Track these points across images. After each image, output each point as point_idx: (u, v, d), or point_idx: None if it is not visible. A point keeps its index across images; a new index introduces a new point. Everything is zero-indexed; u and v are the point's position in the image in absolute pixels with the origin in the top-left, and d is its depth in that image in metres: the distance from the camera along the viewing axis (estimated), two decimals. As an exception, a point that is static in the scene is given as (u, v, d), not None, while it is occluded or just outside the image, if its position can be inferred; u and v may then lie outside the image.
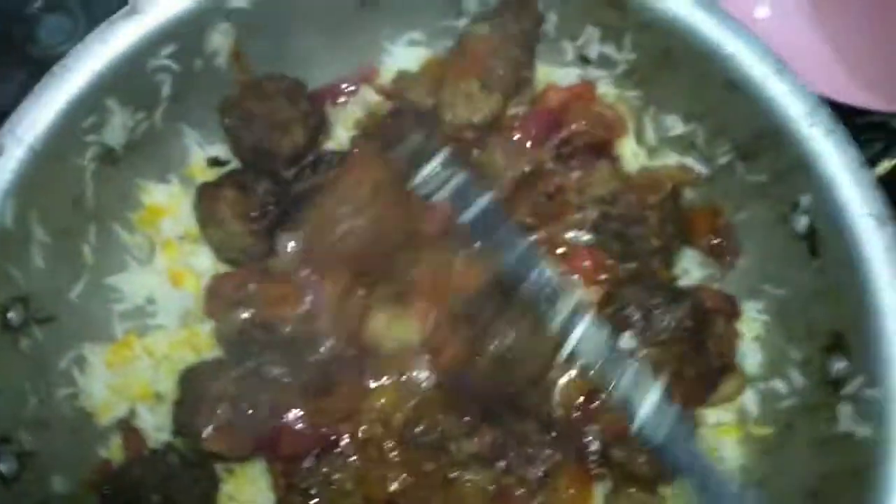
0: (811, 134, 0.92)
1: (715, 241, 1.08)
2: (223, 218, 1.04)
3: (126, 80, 1.02)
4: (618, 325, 0.95)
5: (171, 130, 1.12)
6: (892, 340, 0.85)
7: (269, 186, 1.05)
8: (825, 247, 0.94)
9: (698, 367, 0.97)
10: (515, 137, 1.12)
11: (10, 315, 0.97)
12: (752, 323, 1.06)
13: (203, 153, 1.14)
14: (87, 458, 1.03)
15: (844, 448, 0.88)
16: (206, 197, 1.08)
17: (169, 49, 1.04)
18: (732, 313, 1.04)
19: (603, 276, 1.06)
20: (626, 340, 0.95)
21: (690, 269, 1.09)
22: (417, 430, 0.95)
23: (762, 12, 1.32)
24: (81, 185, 1.05)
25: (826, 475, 0.91)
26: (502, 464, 0.95)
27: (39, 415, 0.98)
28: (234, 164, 1.13)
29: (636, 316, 0.95)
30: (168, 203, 1.13)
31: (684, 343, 0.95)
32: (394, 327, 1.00)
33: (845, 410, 0.89)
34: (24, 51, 1.33)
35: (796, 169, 0.95)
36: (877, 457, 0.83)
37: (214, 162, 1.11)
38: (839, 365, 0.92)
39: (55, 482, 0.97)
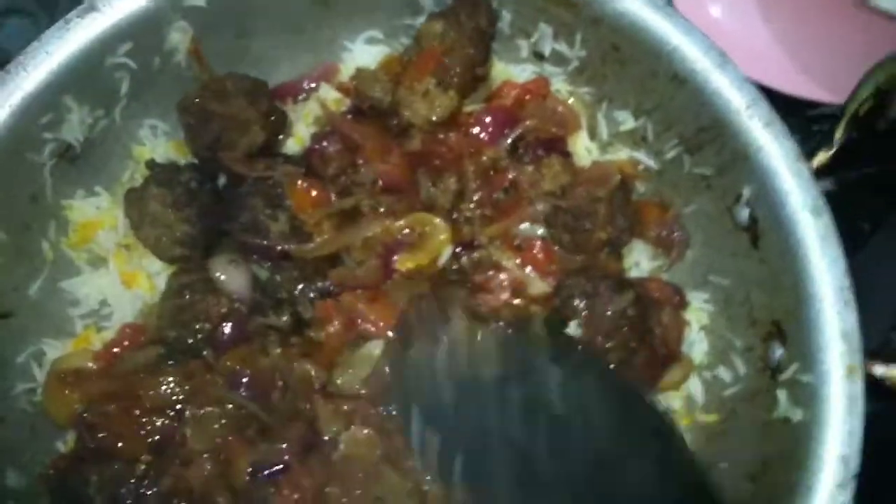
0: (751, 126, 0.95)
1: (664, 234, 1.11)
2: (154, 214, 1.05)
3: (83, 77, 1.04)
4: (564, 314, 0.98)
5: (131, 127, 1.13)
6: (824, 328, 0.88)
7: (191, 174, 1.07)
8: (765, 237, 0.97)
9: (644, 356, 1.00)
10: (473, 132, 1.15)
11: (-35, 313, 0.98)
12: (698, 313, 1.08)
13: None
14: (42, 454, 1.04)
15: (782, 432, 0.91)
16: (133, 200, 1.08)
17: (126, 47, 1.05)
18: (679, 303, 1.07)
19: (553, 268, 1.09)
20: (573, 328, 0.97)
21: (641, 260, 1.12)
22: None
23: (715, 11, 1.35)
24: (40, 181, 1.06)
25: (766, 459, 0.93)
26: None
27: (-2, 409, 1.00)
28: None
29: (581, 305, 0.97)
30: (98, 216, 1.13)
31: (629, 332, 0.98)
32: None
33: (783, 396, 0.92)
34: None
35: (738, 161, 0.98)
36: (808, 439, 0.86)
37: (151, 165, 1.10)
38: (778, 352, 0.95)
39: (9, 477, 0.98)
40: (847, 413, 0.85)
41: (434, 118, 1.11)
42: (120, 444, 0.95)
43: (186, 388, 0.97)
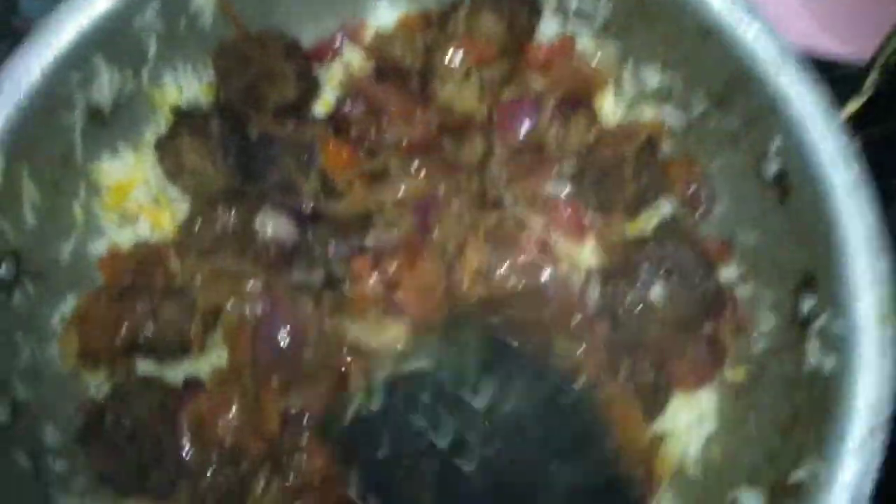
0: (780, 76, 0.94)
1: (690, 190, 1.10)
2: (192, 165, 1.06)
3: (113, 38, 1.04)
4: (651, 273, 0.99)
5: (157, 88, 1.14)
6: (856, 276, 0.88)
7: (220, 121, 1.07)
8: (794, 190, 0.96)
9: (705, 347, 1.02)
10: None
11: (2, 270, 0.99)
12: (726, 270, 1.08)
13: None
14: (79, 414, 1.05)
15: (812, 383, 0.91)
16: (166, 150, 1.09)
17: (154, 7, 1.06)
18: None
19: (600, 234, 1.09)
20: (656, 293, 0.99)
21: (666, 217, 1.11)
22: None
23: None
24: (70, 141, 1.07)
25: (796, 412, 0.93)
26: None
27: (32, 366, 1.01)
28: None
29: (673, 273, 0.99)
30: (128, 176, 1.13)
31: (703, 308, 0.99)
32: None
33: (813, 347, 0.92)
34: (7, 22, 1.34)
35: (767, 113, 0.97)
36: (839, 387, 0.86)
37: (177, 111, 1.11)
38: (808, 303, 0.95)
39: (47, 433, 1.00)
40: (879, 359, 0.85)
41: (469, 108, 1.12)
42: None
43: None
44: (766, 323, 1.02)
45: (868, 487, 0.82)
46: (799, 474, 0.86)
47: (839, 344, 0.88)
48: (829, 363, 0.89)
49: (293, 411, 0.96)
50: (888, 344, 0.85)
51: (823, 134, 0.92)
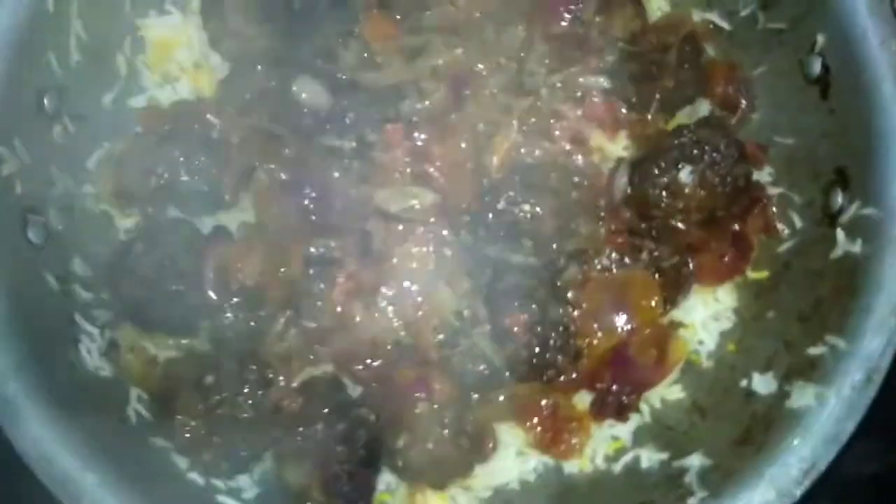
0: (831, -33, 0.94)
1: (730, 91, 1.10)
2: (235, 27, 1.08)
3: None
4: (682, 157, 0.98)
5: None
6: (893, 160, 0.87)
7: None
8: (836, 84, 0.96)
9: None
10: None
11: (46, 101, 1.01)
12: (758, 173, 1.08)
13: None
14: (106, 252, 1.07)
15: (839, 270, 0.91)
16: (211, 12, 1.10)
17: None
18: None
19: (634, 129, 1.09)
20: (686, 174, 0.98)
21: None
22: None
23: None
24: (119, -9, 1.09)
25: (819, 299, 0.93)
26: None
27: (65, 201, 1.03)
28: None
29: (704, 154, 0.98)
30: (173, 34, 1.15)
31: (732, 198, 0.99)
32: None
33: (841, 236, 0.91)
34: None
35: (813, 7, 0.97)
36: (867, 267, 0.86)
37: None
38: (839, 198, 0.94)
39: (76, 263, 1.02)
40: (908, 241, 0.84)
41: None
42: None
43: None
44: (795, 223, 1.02)
45: (885, 363, 0.82)
46: (817, 350, 0.86)
47: (870, 229, 0.87)
48: (856, 247, 0.88)
49: (315, 252, 0.96)
50: (919, 227, 0.84)
51: (872, 20, 0.91)
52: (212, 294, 0.99)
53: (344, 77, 1.09)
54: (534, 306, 0.96)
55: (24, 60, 0.97)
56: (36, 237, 0.97)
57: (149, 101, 1.13)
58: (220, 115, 1.08)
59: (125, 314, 1.00)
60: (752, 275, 1.06)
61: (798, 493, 0.79)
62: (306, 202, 1.05)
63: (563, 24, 1.11)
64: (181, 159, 1.03)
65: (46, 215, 1.00)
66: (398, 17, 1.13)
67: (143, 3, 1.13)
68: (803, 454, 0.80)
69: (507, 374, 0.97)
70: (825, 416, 0.81)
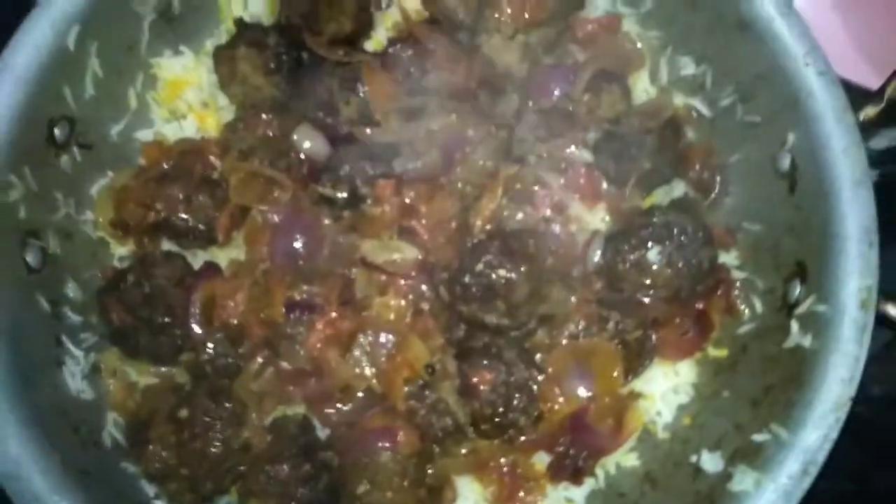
0: (805, 73, 1.00)
1: (704, 176, 1.16)
2: (244, 74, 1.14)
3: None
4: (653, 237, 1.04)
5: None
6: (847, 263, 0.93)
7: (278, 38, 1.14)
8: (802, 181, 1.02)
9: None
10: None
11: (56, 131, 1.07)
12: (725, 256, 1.13)
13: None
14: (99, 277, 1.12)
15: (790, 360, 0.96)
16: (222, 59, 1.17)
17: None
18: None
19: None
20: (654, 254, 1.03)
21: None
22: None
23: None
24: (138, 33, 1.15)
25: (770, 386, 0.97)
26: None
27: (66, 226, 1.09)
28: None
29: (673, 236, 1.03)
30: (185, 75, 1.21)
31: (698, 286, 1.05)
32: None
33: (795, 327, 0.97)
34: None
35: (788, 107, 1.03)
36: (815, 363, 0.91)
37: (239, 23, 1.19)
38: (797, 290, 0.99)
39: (69, 287, 1.07)
40: (856, 341, 0.89)
41: (511, 65, 1.18)
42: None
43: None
44: (756, 307, 1.07)
45: (822, 456, 0.86)
46: (762, 437, 0.90)
47: (821, 324, 0.93)
48: (807, 341, 0.93)
49: (298, 297, 1.01)
50: (866, 329, 0.89)
51: (837, 128, 0.97)
52: (196, 328, 1.03)
53: (343, 130, 1.15)
54: (502, 367, 1.01)
55: (41, 94, 1.03)
56: (33, 261, 1.02)
57: (155, 136, 1.19)
58: (222, 156, 1.14)
59: (111, 339, 1.05)
60: (713, 352, 1.10)
61: (729, 573, 0.83)
62: (296, 245, 1.10)
63: (554, 98, 1.18)
64: (180, 197, 1.08)
65: (46, 240, 1.05)
66: (399, 78, 1.19)
67: (158, 43, 1.19)
68: (737, 536, 0.84)
69: (471, 429, 1.01)
70: (761, 503, 0.85)
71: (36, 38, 1.02)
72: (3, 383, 0.89)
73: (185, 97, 1.21)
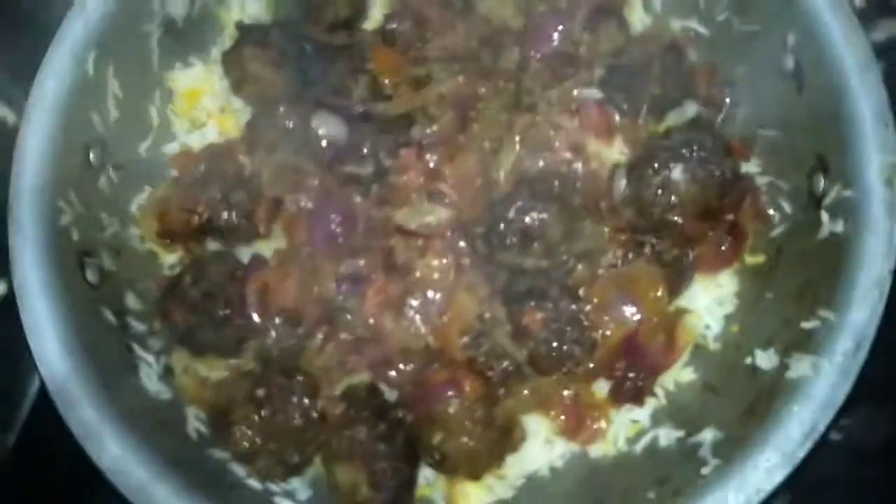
0: (795, -29, 1.02)
1: (714, 91, 1.18)
2: (254, 73, 1.18)
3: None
4: (674, 158, 1.06)
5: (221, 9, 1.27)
6: (865, 146, 0.96)
7: (280, 33, 1.18)
8: (809, 79, 1.04)
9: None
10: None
11: (91, 155, 1.12)
12: (745, 165, 1.16)
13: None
14: (153, 286, 1.17)
15: (827, 250, 0.98)
16: (231, 61, 1.21)
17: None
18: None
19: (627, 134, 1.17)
20: (678, 172, 1.05)
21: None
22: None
23: None
24: (149, 51, 1.20)
25: (811, 279, 1.00)
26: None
27: (114, 243, 1.14)
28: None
29: (693, 153, 1.05)
30: (198, 84, 1.26)
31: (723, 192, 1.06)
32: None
33: (825, 217, 0.99)
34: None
35: (783, 9, 1.05)
36: (850, 246, 0.94)
37: (240, 26, 1.24)
38: (821, 183, 1.02)
39: (129, 298, 1.12)
40: (886, 217, 0.92)
41: (507, 18, 1.22)
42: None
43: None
44: (784, 208, 1.10)
45: (872, 331, 0.89)
46: (811, 324, 0.93)
47: (850, 209, 0.96)
48: (839, 226, 0.96)
49: (345, 270, 1.06)
50: (893, 203, 0.92)
51: (834, 20, 0.99)
52: (255, 317, 1.08)
53: (357, 110, 1.19)
54: (548, 304, 1.05)
55: (72, 120, 1.08)
56: (93, 277, 1.08)
57: (181, 147, 1.24)
58: (249, 153, 1.18)
59: (178, 340, 1.10)
60: (750, 260, 1.13)
61: (801, 454, 0.87)
62: (332, 227, 1.15)
63: (554, 43, 1.21)
64: (219, 197, 1.13)
65: (100, 257, 1.10)
66: (402, 50, 1.23)
67: (168, 58, 1.24)
68: (803, 418, 0.88)
69: (529, 368, 1.05)
70: (821, 383, 0.89)
71: (59, 69, 1.07)
72: (91, 393, 0.94)
73: (203, 105, 1.26)
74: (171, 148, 1.25)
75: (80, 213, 1.07)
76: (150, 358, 1.08)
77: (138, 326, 1.10)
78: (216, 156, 1.20)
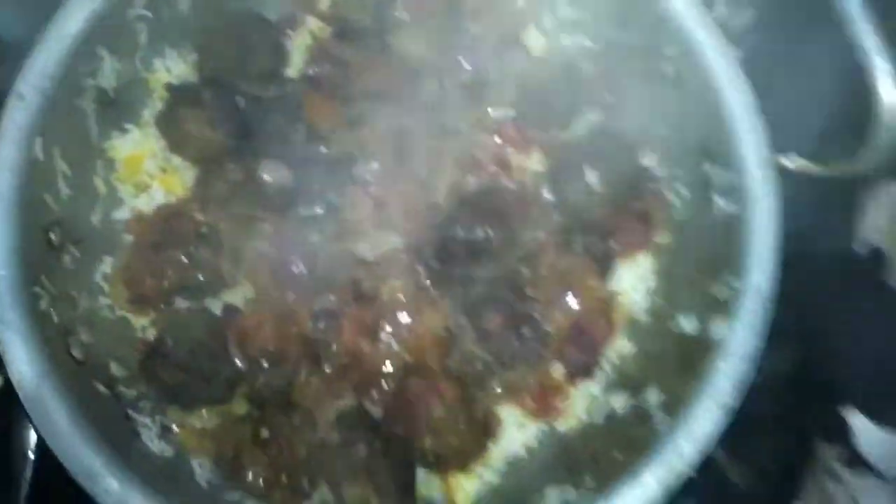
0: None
1: (609, 100, 1.36)
2: (192, 134, 1.25)
3: (112, 29, 1.21)
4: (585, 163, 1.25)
5: (149, 69, 1.32)
6: (742, 135, 1.15)
7: (211, 91, 1.26)
8: (688, 82, 1.23)
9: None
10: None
11: (52, 236, 1.16)
12: (645, 158, 1.34)
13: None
14: (133, 350, 1.22)
15: (722, 226, 1.18)
16: (166, 123, 1.27)
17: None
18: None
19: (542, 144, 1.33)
20: (592, 177, 1.23)
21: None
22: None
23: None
24: (86, 125, 1.24)
25: (714, 252, 1.19)
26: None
27: (88, 316, 1.18)
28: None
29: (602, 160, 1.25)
30: (136, 149, 1.31)
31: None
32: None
33: (718, 199, 1.19)
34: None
35: (658, 26, 1.23)
36: (742, 221, 1.13)
37: (170, 88, 1.30)
38: (710, 169, 1.22)
39: (113, 367, 1.17)
40: (767, 195, 1.12)
41: (422, 53, 1.33)
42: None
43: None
44: (683, 194, 1.29)
45: (771, 291, 1.09)
46: (720, 289, 1.13)
47: (736, 191, 1.15)
48: (731, 208, 1.16)
49: (318, 308, 1.16)
50: (771, 180, 1.12)
51: (703, 38, 1.18)
52: (240, 363, 1.17)
53: (301, 154, 1.28)
54: (504, 308, 1.20)
55: (30, 209, 1.11)
56: (78, 353, 1.12)
57: (131, 212, 1.29)
58: (203, 211, 1.25)
59: (167, 400, 1.17)
60: (660, 239, 1.32)
61: (731, 402, 1.06)
62: (293, 268, 1.24)
63: (468, 70, 1.35)
64: (184, 258, 1.19)
65: (78, 333, 1.14)
66: (329, 94, 1.33)
67: (104, 128, 1.27)
68: (728, 372, 1.07)
69: (497, 365, 1.20)
70: (738, 340, 1.08)
71: (9, 161, 1.10)
72: (107, 464, 1.00)
73: (145, 169, 1.31)
74: (122, 214, 1.29)
75: (55, 295, 1.11)
76: (147, 420, 1.14)
77: (128, 392, 1.16)
78: (171, 216, 1.26)
